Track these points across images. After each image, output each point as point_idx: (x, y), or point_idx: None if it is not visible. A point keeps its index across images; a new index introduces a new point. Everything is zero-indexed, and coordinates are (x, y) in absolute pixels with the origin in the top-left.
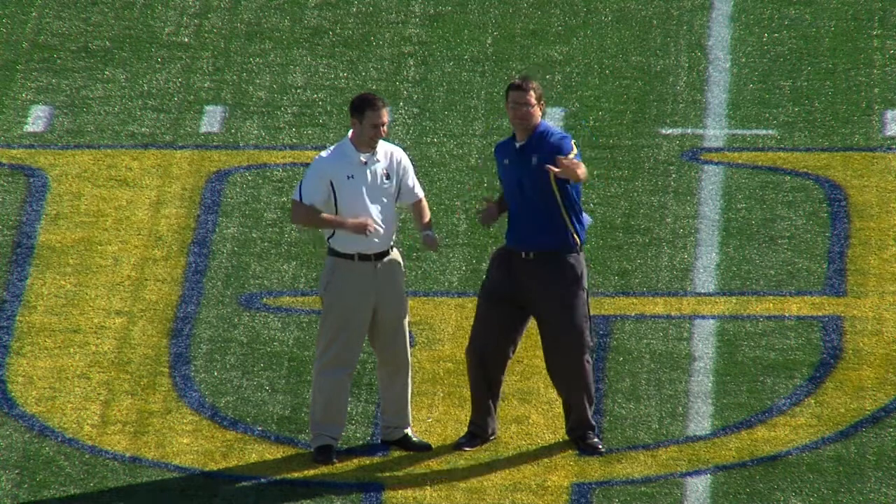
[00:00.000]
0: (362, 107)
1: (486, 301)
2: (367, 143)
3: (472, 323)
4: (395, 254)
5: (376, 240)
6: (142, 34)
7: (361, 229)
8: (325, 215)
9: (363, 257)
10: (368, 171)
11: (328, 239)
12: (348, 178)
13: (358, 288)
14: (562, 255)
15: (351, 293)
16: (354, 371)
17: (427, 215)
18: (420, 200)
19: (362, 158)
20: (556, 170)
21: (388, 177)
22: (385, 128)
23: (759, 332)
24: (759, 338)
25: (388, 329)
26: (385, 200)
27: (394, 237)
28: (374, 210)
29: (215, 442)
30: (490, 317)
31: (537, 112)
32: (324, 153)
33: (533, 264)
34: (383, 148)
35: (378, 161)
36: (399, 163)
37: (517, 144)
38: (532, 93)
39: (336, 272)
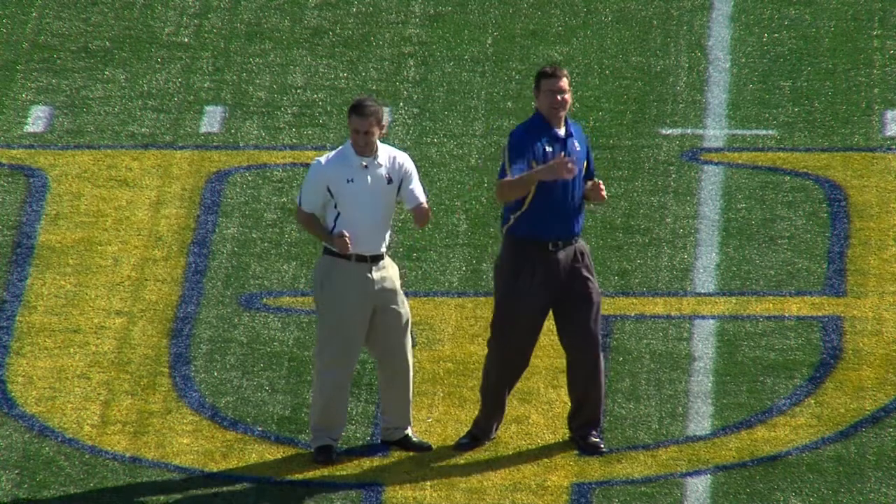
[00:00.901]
0: (350, 112)
1: (529, 309)
2: (356, 148)
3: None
4: (388, 261)
5: (371, 242)
6: (142, 34)
7: (342, 246)
8: (315, 227)
9: (360, 258)
10: (369, 176)
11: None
12: (348, 181)
13: (354, 288)
14: (581, 240)
15: (347, 293)
16: (354, 371)
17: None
18: (420, 205)
19: (363, 163)
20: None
21: (389, 181)
22: (367, 136)
23: (759, 332)
24: (759, 338)
25: (385, 333)
26: (384, 205)
27: (387, 242)
28: (372, 214)
29: (215, 442)
30: (534, 327)
31: (570, 98)
32: (323, 157)
33: (561, 252)
34: (387, 152)
35: (380, 165)
36: (402, 167)
37: (559, 132)
38: (566, 79)
39: (332, 272)
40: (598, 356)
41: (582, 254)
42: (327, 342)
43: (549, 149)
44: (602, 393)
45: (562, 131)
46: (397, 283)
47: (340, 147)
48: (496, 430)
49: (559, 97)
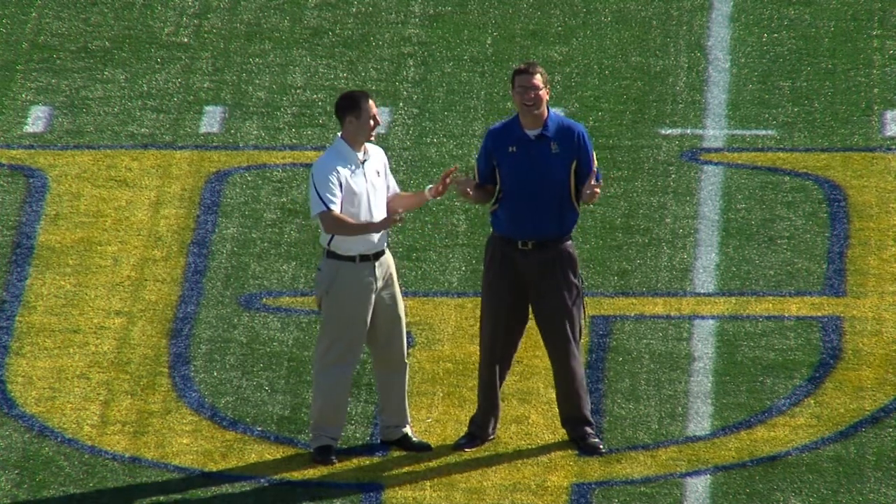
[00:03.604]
0: (356, 102)
1: (491, 300)
2: (365, 137)
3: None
4: (388, 253)
5: (375, 240)
6: (142, 34)
7: (392, 222)
8: (354, 222)
9: (364, 258)
10: (366, 171)
11: (328, 242)
12: (351, 176)
13: (361, 290)
14: (561, 242)
15: (354, 296)
16: (355, 371)
17: (411, 193)
18: (397, 192)
19: (360, 157)
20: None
21: (378, 173)
22: (379, 117)
23: (758, 332)
24: (758, 338)
25: (385, 328)
26: (380, 198)
27: (387, 236)
28: (373, 208)
29: (215, 442)
30: (505, 321)
31: (545, 96)
32: (322, 157)
33: (532, 253)
34: (369, 146)
35: (369, 159)
36: (384, 159)
37: (531, 133)
38: (539, 76)
39: (339, 276)
40: (568, 358)
41: (560, 258)
42: (333, 343)
43: (512, 148)
44: (580, 393)
45: (534, 132)
46: (395, 276)
47: (331, 146)
48: (493, 429)
49: (531, 93)
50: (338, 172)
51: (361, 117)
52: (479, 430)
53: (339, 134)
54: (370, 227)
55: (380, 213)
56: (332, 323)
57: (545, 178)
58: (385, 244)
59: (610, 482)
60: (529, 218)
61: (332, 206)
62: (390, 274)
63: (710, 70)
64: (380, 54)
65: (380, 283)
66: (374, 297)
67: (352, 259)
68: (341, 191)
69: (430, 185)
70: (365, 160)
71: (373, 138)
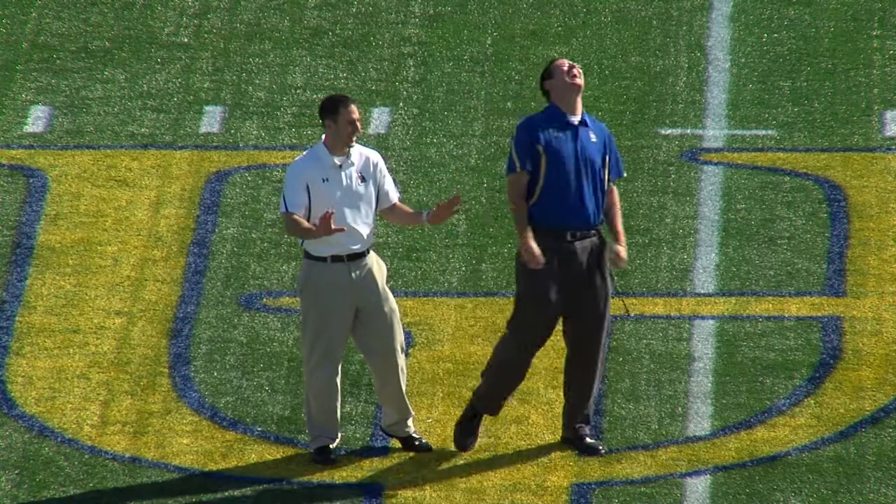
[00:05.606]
0: (335, 106)
1: (545, 314)
2: (344, 143)
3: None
4: (373, 256)
5: (349, 241)
6: (141, 34)
7: (327, 228)
8: (306, 225)
9: (336, 259)
10: (343, 175)
11: (302, 242)
12: (323, 181)
13: (333, 289)
14: (600, 235)
15: (326, 295)
16: (340, 364)
17: (410, 210)
18: (396, 204)
19: (336, 161)
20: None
21: (363, 179)
22: (360, 124)
23: (758, 332)
24: (758, 338)
25: (372, 332)
26: (361, 203)
27: (372, 241)
28: (349, 213)
29: (215, 442)
30: (551, 323)
31: None
32: (297, 158)
33: (589, 244)
34: (358, 150)
35: (352, 164)
36: (375, 166)
37: (574, 119)
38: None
39: (311, 275)
40: (597, 358)
41: (600, 249)
42: (313, 344)
43: (559, 135)
44: (592, 393)
45: (577, 119)
46: (381, 281)
47: (310, 148)
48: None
49: (576, 81)
50: (306, 177)
51: (338, 122)
52: (476, 410)
53: (322, 137)
54: (310, 233)
55: (361, 220)
56: (308, 323)
57: (587, 165)
58: (366, 247)
59: (610, 482)
60: (579, 205)
61: (291, 209)
62: (374, 277)
63: (710, 70)
64: (380, 54)
65: (359, 286)
66: (351, 298)
67: (323, 259)
68: (308, 195)
69: (428, 211)
70: (344, 165)
71: (354, 143)
